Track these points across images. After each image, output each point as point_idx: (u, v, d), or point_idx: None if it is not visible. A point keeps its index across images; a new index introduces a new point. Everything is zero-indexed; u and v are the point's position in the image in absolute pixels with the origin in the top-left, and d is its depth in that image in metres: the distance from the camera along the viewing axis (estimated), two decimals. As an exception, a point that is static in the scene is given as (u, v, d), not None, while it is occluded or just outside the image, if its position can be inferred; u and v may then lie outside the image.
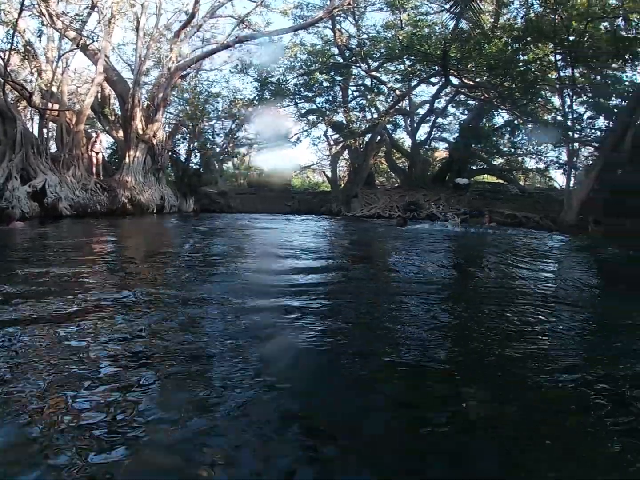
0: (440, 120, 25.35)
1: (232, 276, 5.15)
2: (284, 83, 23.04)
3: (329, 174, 24.84)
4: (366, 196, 21.38)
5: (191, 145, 22.84)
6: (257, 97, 23.45)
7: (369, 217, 19.80)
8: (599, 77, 19.37)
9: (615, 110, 18.52)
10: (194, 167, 23.06)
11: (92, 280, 4.53)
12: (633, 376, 2.56)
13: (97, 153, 17.08)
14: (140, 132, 17.51)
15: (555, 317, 3.97)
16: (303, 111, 24.31)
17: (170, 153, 20.90)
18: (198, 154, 23.57)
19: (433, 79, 22.17)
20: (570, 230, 15.92)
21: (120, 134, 18.61)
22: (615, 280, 7.15)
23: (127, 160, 17.14)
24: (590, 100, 20.23)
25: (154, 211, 17.55)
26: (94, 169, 16.65)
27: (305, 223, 15.69)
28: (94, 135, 18.15)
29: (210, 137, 24.51)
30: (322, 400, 2.21)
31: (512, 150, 24.91)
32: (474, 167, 25.28)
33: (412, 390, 2.38)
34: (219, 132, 25.09)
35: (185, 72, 20.36)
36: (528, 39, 18.70)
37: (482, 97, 20.99)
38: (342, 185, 23.44)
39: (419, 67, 20.86)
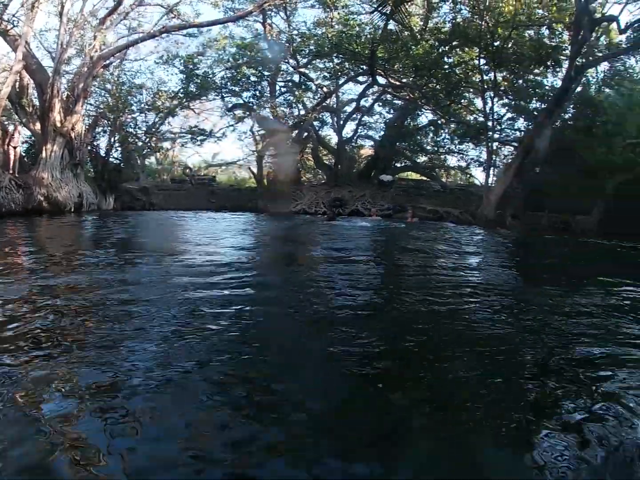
0: (366, 118, 26.59)
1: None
2: (211, 76, 23.35)
3: (255, 170, 25.21)
4: (292, 192, 22.04)
5: (112, 139, 22.14)
6: (182, 90, 23.64)
7: (295, 213, 20.58)
8: (520, 81, 21.07)
9: (535, 113, 20.45)
10: (115, 162, 22.39)
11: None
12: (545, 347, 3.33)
13: (14, 147, 16.35)
14: (59, 124, 16.83)
15: (475, 300, 4.80)
16: (229, 105, 24.80)
17: (89, 147, 20.09)
18: (119, 149, 23.15)
19: (360, 78, 23.31)
20: (488, 224, 17.36)
21: (38, 126, 17.72)
22: (529, 267, 8.67)
23: (44, 154, 16.49)
24: (511, 102, 22.11)
25: (72, 210, 16.89)
26: (11, 165, 15.96)
27: (229, 220, 15.91)
28: (11, 128, 17.27)
29: (132, 130, 24.08)
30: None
31: (436, 148, 26.77)
32: (399, 165, 26.78)
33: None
34: (142, 125, 24.82)
35: (108, 62, 19.85)
36: (454, 42, 20.47)
37: (408, 97, 22.36)
38: (268, 182, 23.82)
39: (347, 66, 21.86)
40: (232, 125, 25.61)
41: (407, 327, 3.79)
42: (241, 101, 24.46)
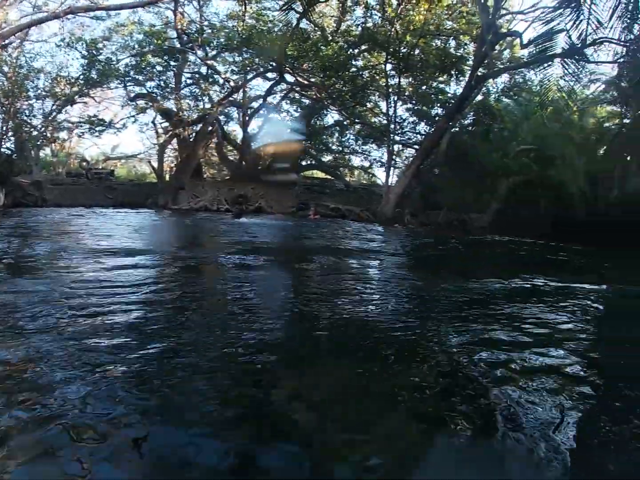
0: (273, 115, 26.96)
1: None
2: (115, 63, 22.49)
3: (155, 164, 24.88)
4: (194, 188, 21.98)
5: (4, 128, 21.11)
6: (82, 76, 22.88)
7: (196, 210, 20.41)
8: (424, 87, 22.43)
9: (437, 118, 22.03)
10: (6, 152, 21.32)
11: None
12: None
13: None
14: (-54, 110, 15.58)
15: (371, 289, 5.59)
16: (132, 95, 24.17)
17: None
18: (12, 138, 22.07)
19: (269, 74, 23.54)
20: (387, 222, 18.29)
21: None
22: (425, 261, 9.82)
23: None
24: (414, 107, 23.71)
25: None
26: None
27: (127, 218, 15.41)
28: None
29: (27, 118, 22.87)
30: None
31: (340, 148, 27.83)
32: (304, 163, 27.41)
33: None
34: (37, 113, 23.56)
35: (8, 42, 19.08)
36: (363, 46, 21.60)
37: (315, 97, 23.13)
38: (169, 177, 23.73)
39: (256, 61, 22.09)
40: (133, 116, 25.01)
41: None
42: (144, 91, 23.89)
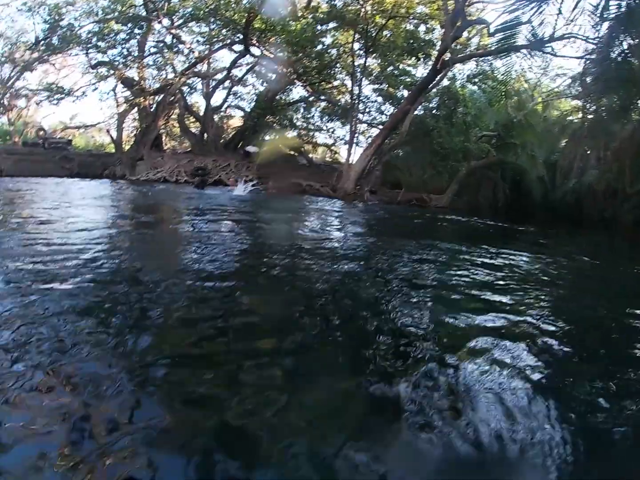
0: (238, 88, 27.00)
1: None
2: (77, 29, 22.19)
3: (114, 134, 24.71)
4: (153, 160, 21.91)
5: None
6: (43, 42, 22.71)
7: (154, 181, 20.40)
8: (391, 68, 22.77)
9: (402, 100, 22.14)
10: None
11: None
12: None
13: None
14: None
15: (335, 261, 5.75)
16: (93, 62, 23.68)
17: None
18: None
19: (235, 47, 23.55)
20: (347, 197, 18.71)
21: None
22: (386, 232, 10.51)
23: None
24: (380, 87, 23.85)
25: None
26: None
27: (83, 188, 15.45)
28: None
29: None
30: None
31: (305, 125, 28.16)
32: (267, 138, 26.84)
33: None
34: None
35: None
36: (331, 24, 21.65)
37: (281, 71, 23.46)
38: (128, 148, 23.61)
39: (223, 33, 22.17)
40: (94, 84, 24.56)
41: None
42: (106, 59, 23.51)
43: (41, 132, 25.71)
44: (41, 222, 7.06)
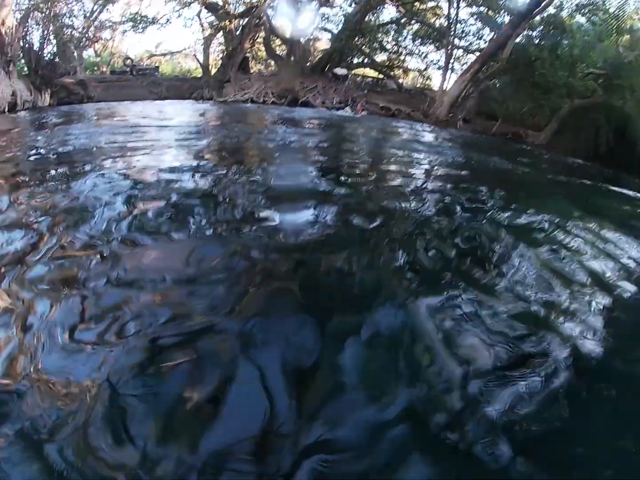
0: (325, 10, 25.79)
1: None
2: None
3: (201, 58, 24.86)
4: (240, 82, 21.83)
5: (45, 32, 20.54)
6: None
7: (242, 102, 20.51)
8: None
9: (502, 26, 20.84)
10: (50, 56, 20.86)
11: None
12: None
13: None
14: (-13, 19, 15.62)
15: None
16: None
17: (21, 42, 18.43)
18: (54, 41, 21.54)
19: None
20: (440, 124, 18.27)
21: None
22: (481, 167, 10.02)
23: (-31, 52, 15.36)
24: (479, 11, 22.57)
25: (6, 110, 16.11)
26: None
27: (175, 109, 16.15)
28: None
29: (68, 21, 22.55)
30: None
31: (396, 48, 26.62)
32: (356, 61, 26.61)
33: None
34: (79, 15, 23.34)
35: None
36: None
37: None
38: (215, 71, 23.63)
39: None
40: (177, 11, 24.60)
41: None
42: (189, -15, 23.19)
43: (128, 61, 26.07)
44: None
